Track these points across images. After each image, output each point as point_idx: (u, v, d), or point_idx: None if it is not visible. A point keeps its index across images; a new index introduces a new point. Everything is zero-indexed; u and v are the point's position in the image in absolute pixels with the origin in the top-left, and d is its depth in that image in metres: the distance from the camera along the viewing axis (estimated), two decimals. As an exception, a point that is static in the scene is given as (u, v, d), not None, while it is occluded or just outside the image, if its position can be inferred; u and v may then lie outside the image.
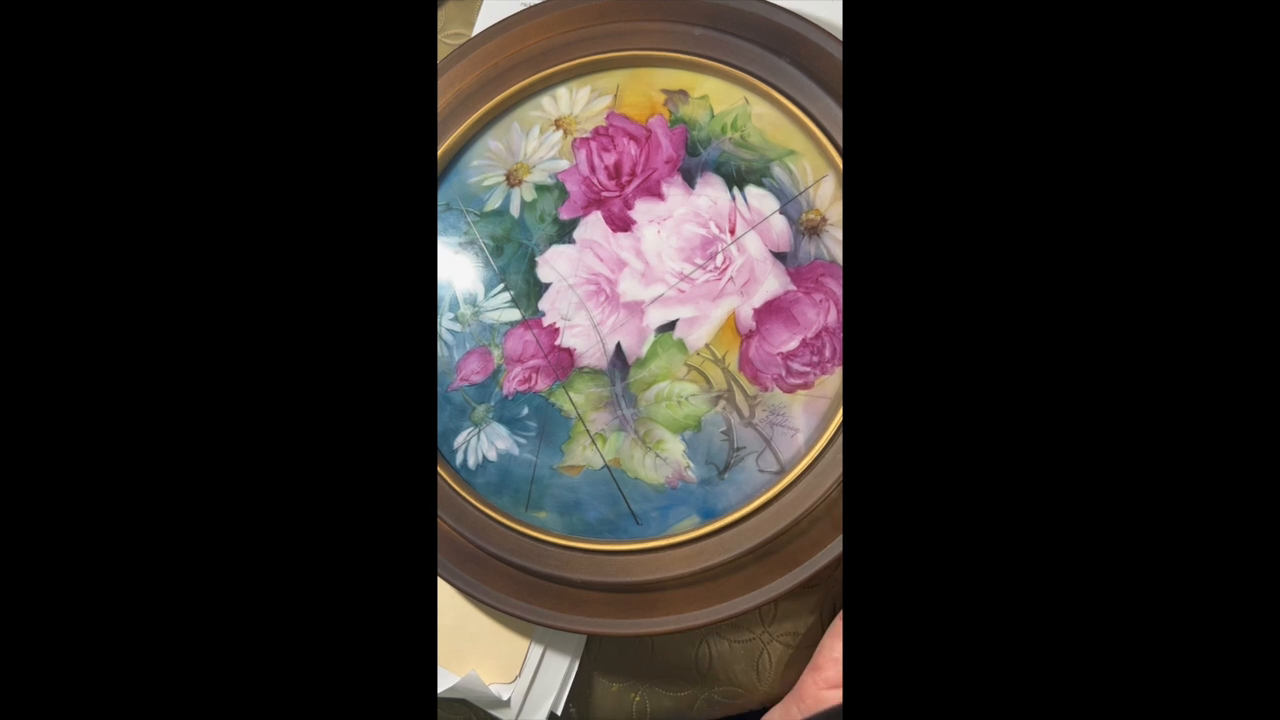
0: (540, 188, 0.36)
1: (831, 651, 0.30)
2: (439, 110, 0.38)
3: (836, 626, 0.31)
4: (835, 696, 0.30)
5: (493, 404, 0.35)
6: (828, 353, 0.33)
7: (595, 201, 0.36)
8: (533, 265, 0.36)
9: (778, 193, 0.34)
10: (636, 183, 0.36)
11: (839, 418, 0.31)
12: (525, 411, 0.35)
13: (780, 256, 0.34)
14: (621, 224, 0.35)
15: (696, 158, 0.35)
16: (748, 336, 0.33)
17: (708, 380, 0.33)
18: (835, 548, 0.31)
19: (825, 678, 0.30)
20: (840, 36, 0.35)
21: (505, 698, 0.35)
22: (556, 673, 0.36)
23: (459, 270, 0.36)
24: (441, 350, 0.36)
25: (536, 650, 0.36)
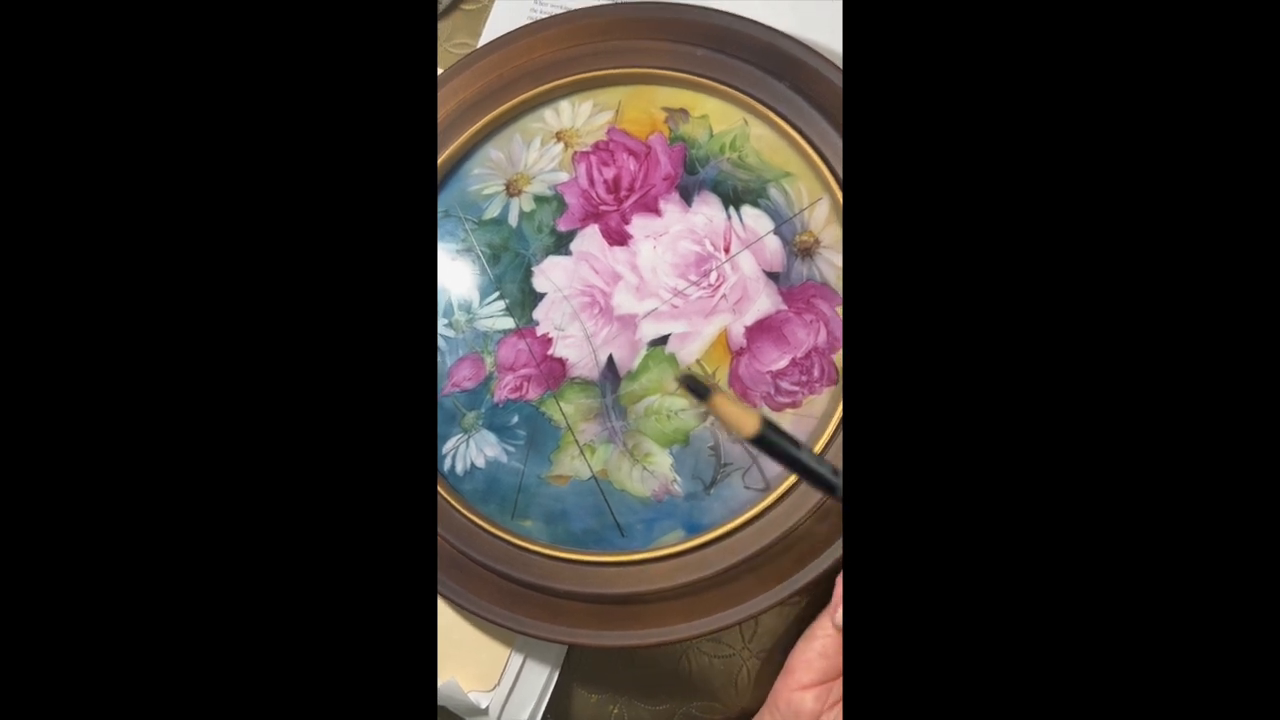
0: (539, 199, 0.37)
1: (803, 654, 0.31)
2: (442, 119, 0.38)
3: (810, 630, 0.31)
4: (808, 699, 0.30)
5: (483, 411, 0.35)
6: (816, 373, 0.33)
7: (593, 214, 0.36)
8: (528, 275, 0.36)
9: (773, 213, 0.35)
10: (634, 198, 0.36)
11: (825, 437, 0.32)
12: (515, 420, 0.35)
13: (773, 276, 0.34)
14: (618, 238, 0.36)
15: (694, 176, 0.36)
16: (738, 354, 0.34)
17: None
18: (818, 565, 0.32)
19: (797, 680, 0.30)
20: (838, 64, 0.36)
21: (484, 706, 0.35)
22: (536, 682, 0.36)
23: (455, 277, 0.37)
24: (434, 356, 0.36)
25: (517, 659, 0.36)
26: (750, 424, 0.24)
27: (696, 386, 0.24)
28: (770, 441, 0.25)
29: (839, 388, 0.33)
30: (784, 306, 0.34)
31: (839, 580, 0.29)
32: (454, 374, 0.36)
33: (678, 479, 0.33)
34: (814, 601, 0.35)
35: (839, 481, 0.26)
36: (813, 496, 0.32)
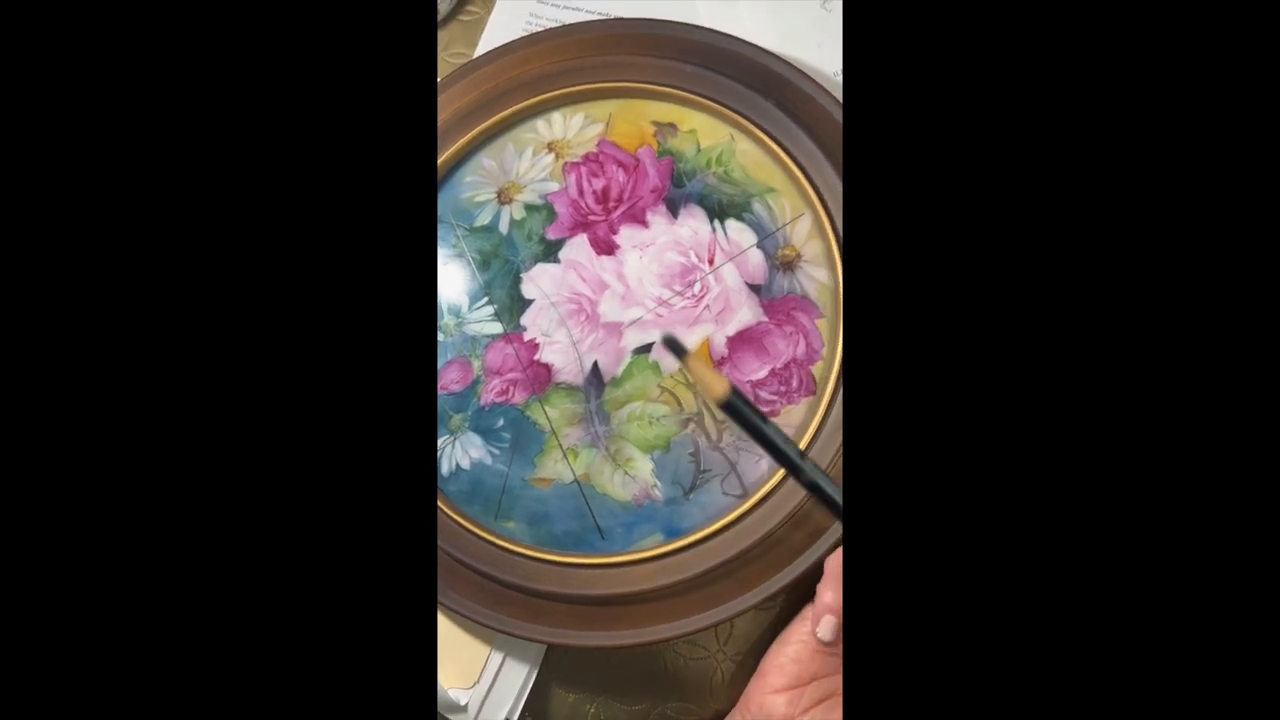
0: (530, 207, 0.38)
1: (776, 658, 0.31)
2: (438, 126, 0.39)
3: (784, 635, 0.32)
4: (779, 702, 0.31)
5: (469, 413, 0.36)
6: (795, 383, 0.34)
7: (582, 224, 0.37)
8: (517, 281, 0.37)
9: (756, 227, 0.36)
10: (622, 209, 0.37)
11: (801, 447, 0.33)
12: (500, 423, 0.36)
13: (755, 288, 0.35)
14: (606, 247, 0.37)
15: (681, 189, 0.37)
16: (720, 363, 0.35)
17: (679, 403, 0.35)
18: (792, 571, 0.33)
19: (769, 683, 0.31)
20: (822, 84, 0.37)
21: (463, 703, 0.36)
22: (515, 681, 0.36)
23: (445, 282, 0.37)
24: (423, 358, 0.37)
25: (497, 657, 0.36)
26: (720, 388, 0.26)
27: (676, 346, 0.27)
28: (737, 408, 0.27)
29: (816, 399, 0.34)
30: (765, 318, 0.35)
31: (819, 588, 0.30)
32: (442, 377, 0.37)
33: (658, 484, 0.34)
34: (788, 606, 0.35)
35: (806, 464, 0.28)
36: (788, 503, 0.32)
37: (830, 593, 0.29)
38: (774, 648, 0.32)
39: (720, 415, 0.34)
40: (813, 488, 0.28)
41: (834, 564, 0.30)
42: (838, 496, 0.28)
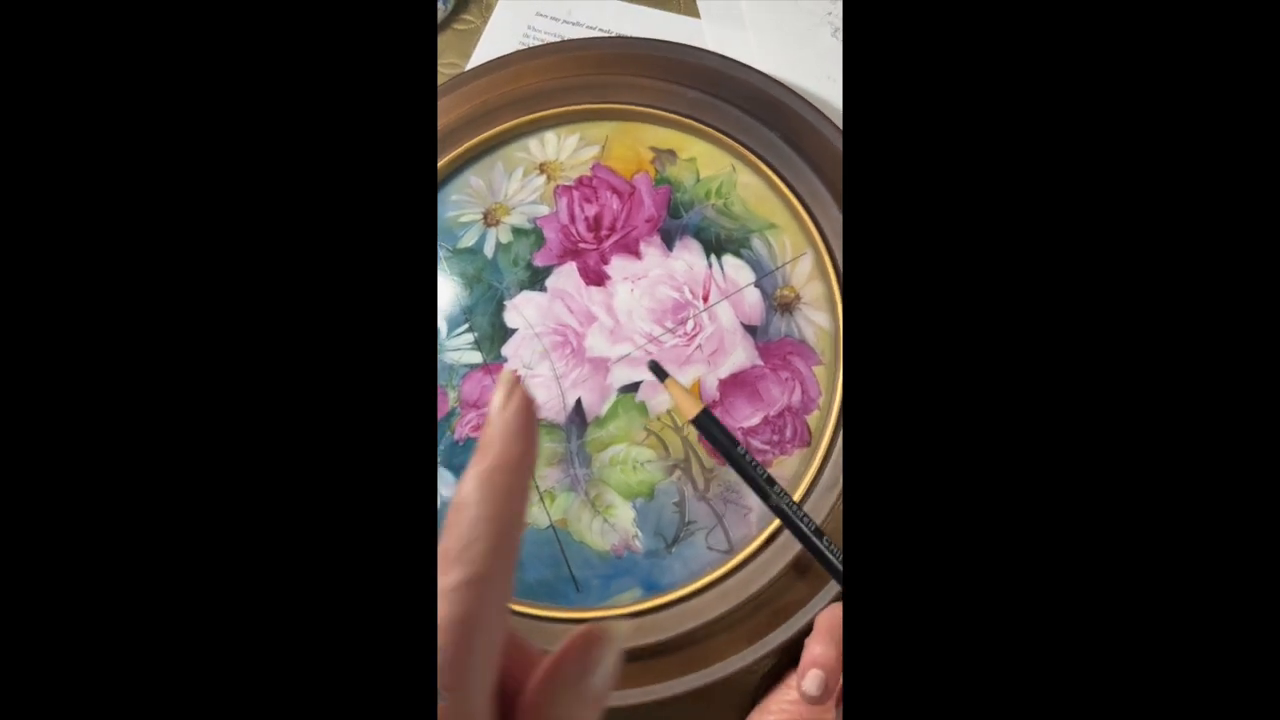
0: (517, 231, 0.36)
1: None
2: (423, 141, 0.37)
3: (764, 703, 0.30)
4: None
5: (442, 448, 0.34)
6: (789, 433, 0.32)
7: (571, 252, 0.35)
8: (500, 309, 0.35)
9: (755, 265, 0.34)
10: (615, 238, 0.35)
11: (793, 500, 0.31)
12: (475, 459, 0.33)
13: (750, 330, 0.33)
14: (595, 278, 0.35)
15: (678, 220, 0.35)
16: (710, 407, 0.33)
17: (665, 447, 0.33)
18: (775, 638, 0.30)
19: None
20: (830, 116, 0.35)
21: (420, 757, 0.34)
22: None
23: (424, 306, 0.35)
24: (396, 386, 0.35)
25: (458, 711, 0.34)
26: (693, 409, 0.29)
27: (658, 370, 0.30)
28: (707, 427, 0.29)
29: (811, 450, 0.32)
30: (760, 362, 0.33)
31: (808, 642, 0.28)
32: (415, 407, 0.34)
33: (639, 534, 0.32)
34: (779, 662, 0.33)
35: (774, 489, 0.29)
36: (776, 564, 0.30)
37: (819, 646, 0.27)
38: (754, 715, 0.30)
39: (709, 464, 0.32)
40: (779, 513, 0.29)
41: (825, 618, 0.28)
42: (806, 527, 0.28)
